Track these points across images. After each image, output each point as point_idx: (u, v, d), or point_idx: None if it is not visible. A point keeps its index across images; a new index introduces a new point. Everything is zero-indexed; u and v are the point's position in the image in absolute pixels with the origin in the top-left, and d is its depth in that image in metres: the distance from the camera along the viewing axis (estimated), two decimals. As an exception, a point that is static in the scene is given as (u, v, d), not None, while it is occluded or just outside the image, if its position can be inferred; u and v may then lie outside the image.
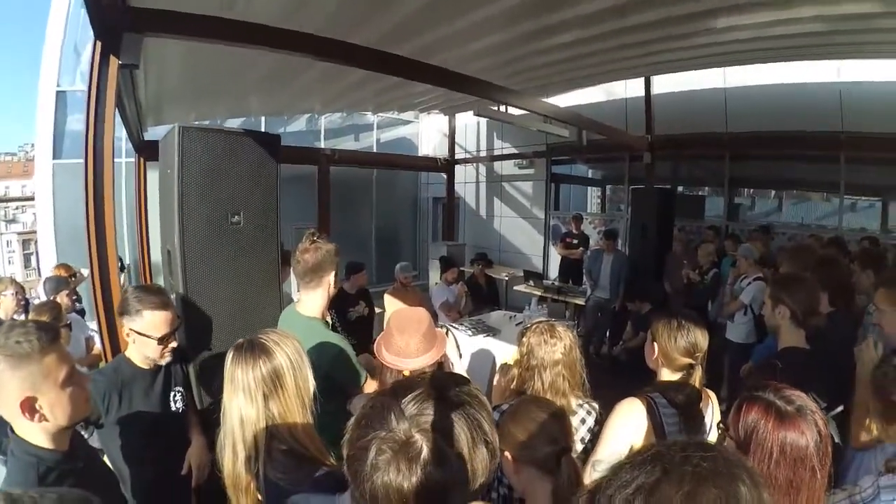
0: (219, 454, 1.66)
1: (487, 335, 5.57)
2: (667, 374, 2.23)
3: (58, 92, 10.49)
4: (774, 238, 7.54)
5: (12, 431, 1.50)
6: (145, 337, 2.31)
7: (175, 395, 2.54)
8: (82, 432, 2.13)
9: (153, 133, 7.15)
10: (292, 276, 2.72)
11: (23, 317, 4.31)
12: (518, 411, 1.85)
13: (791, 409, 1.41)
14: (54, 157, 10.30)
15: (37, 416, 1.45)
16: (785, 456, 1.37)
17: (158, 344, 2.33)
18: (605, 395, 2.41)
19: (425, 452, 0.88)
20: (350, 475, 0.95)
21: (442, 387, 0.99)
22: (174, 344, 2.42)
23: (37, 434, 1.49)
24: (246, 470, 1.60)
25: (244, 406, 1.60)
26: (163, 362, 2.43)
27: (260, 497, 1.64)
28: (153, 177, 4.12)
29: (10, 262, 64.72)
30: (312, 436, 1.67)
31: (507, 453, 1.76)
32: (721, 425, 1.62)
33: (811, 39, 5.27)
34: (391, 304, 5.99)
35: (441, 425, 0.92)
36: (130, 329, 2.32)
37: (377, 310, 6.09)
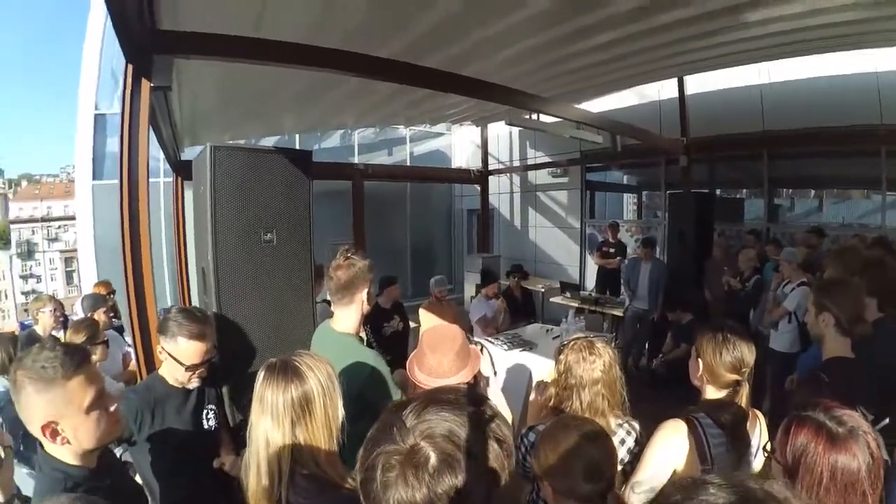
0: (243, 473, 1.64)
1: (524, 349, 5.47)
2: (712, 392, 2.13)
3: (96, 115, 10.77)
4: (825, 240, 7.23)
5: (41, 447, 1.52)
6: (175, 361, 2.32)
7: (208, 414, 2.55)
8: (115, 449, 2.14)
9: (191, 153, 7.25)
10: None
11: (61, 333, 4.39)
12: (556, 436, 1.74)
13: (843, 431, 1.35)
14: (94, 178, 10.59)
15: (59, 438, 1.46)
16: (835, 482, 1.31)
17: (186, 371, 2.34)
18: (646, 409, 2.35)
19: (433, 459, 0.85)
20: (364, 499, 0.91)
21: (440, 394, 0.97)
22: (202, 372, 2.42)
23: (64, 453, 1.50)
24: (268, 492, 1.57)
25: (270, 429, 1.57)
26: (190, 386, 2.43)
27: None
28: (190, 196, 4.16)
29: (52, 278, 66.98)
30: (336, 463, 1.63)
31: (546, 483, 1.69)
32: (766, 449, 1.55)
33: (845, 29, 5.09)
34: (426, 319, 5.95)
35: (446, 430, 0.88)
36: (163, 348, 2.34)
37: (412, 324, 6.06)
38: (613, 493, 1.66)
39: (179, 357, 2.32)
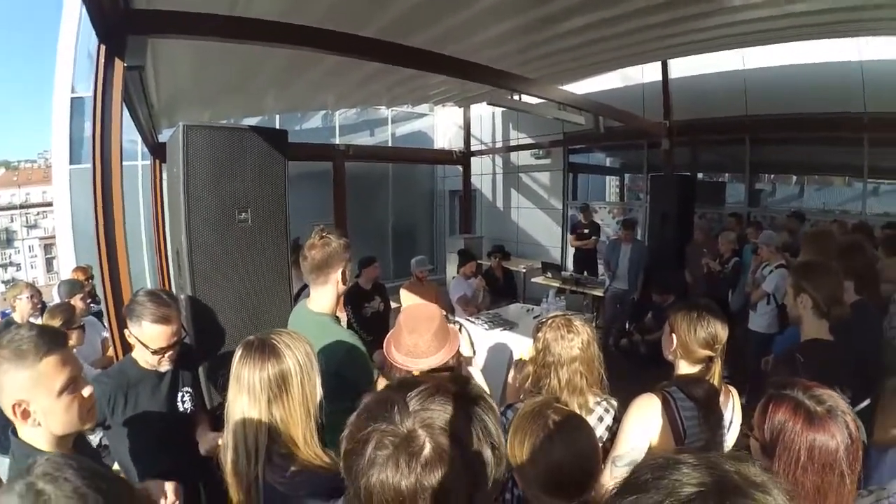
0: (221, 452, 1.63)
1: (504, 329, 5.49)
2: (685, 367, 2.14)
3: (73, 98, 10.67)
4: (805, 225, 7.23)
5: (14, 434, 1.49)
6: (141, 344, 2.30)
7: (183, 396, 2.52)
8: (92, 435, 2.11)
9: (168, 136, 7.18)
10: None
11: (39, 320, 4.33)
12: (530, 431, 1.62)
13: (821, 410, 1.35)
14: (71, 163, 10.50)
15: (30, 419, 1.43)
16: (813, 460, 1.31)
17: (153, 354, 2.31)
18: (626, 388, 2.33)
19: (427, 450, 0.83)
20: (345, 471, 0.90)
21: (449, 386, 0.94)
22: (171, 355, 2.38)
23: (38, 438, 1.47)
24: (245, 471, 1.56)
25: (247, 407, 1.56)
26: (161, 369, 2.41)
27: (260, 499, 1.59)
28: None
29: (32, 266, 66.25)
30: (313, 442, 1.62)
31: (515, 475, 1.65)
32: (744, 426, 1.55)
33: (830, 16, 5.10)
34: (407, 299, 5.93)
35: (446, 423, 0.86)
36: (130, 332, 2.31)
37: (393, 304, 6.05)
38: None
39: (145, 341, 2.28)
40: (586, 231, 9.45)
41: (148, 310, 2.27)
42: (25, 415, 1.42)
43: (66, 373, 1.51)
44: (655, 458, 0.80)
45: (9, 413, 1.42)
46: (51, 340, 1.49)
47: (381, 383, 2.43)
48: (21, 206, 69.30)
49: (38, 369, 1.44)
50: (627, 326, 7.81)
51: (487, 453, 0.88)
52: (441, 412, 0.87)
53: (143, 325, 2.27)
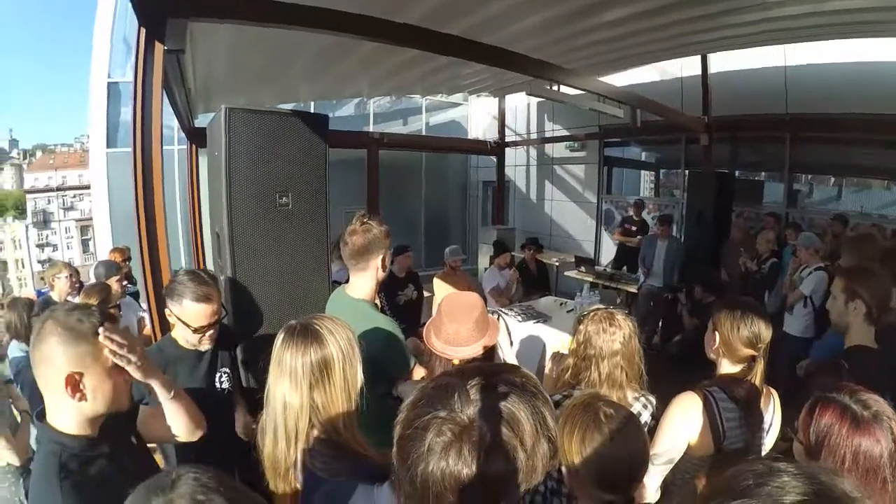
0: (259, 436, 1.63)
1: (537, 321, 5.48)
2: (727, 366, 2.14)
3: (109, 83, 10.83)
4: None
5: (40, 419, 1.49)
6: (183, 324, 2.33)
7: (221, 376, 2.56)
8: None
9: (204, 120, 7.23)
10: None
11: (76, 299, 4.39)
12: (580, 423, 1.57)
13: (867, 415, 1.34)
14: (108, 147, 10.66)
15: (79, 394, 1.43)
16: (857, 465, 1.30)
17: (195, 333, 2.34)
18: (659, 386, 2.31)
19: (488, 440, 0.83)
20: (399, 458, 0.89)
21: (509, 375, 0.94)
22: (212, 334, 2.41)
23: (67, 419, 1.46)
24: (284, 455, 1.56)
25: (288, 392, 1.55)
26: (202, 348, 2.43)
27: (297, 484, 1.59)
28: (204, 163, 4.13)
29: (68, 247, 67.92)
30: (353, 428, 1.61)
31: (563, 467, 1.61)
32: (785, 429, 1.53)
33: (872, 15, 4.94)
34: (440, 289, 5.95)
35: (507, 414, 0.86)
36: (171, 311, 2.34)
37: (426, 294, 6.05)
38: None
39: (186, 319, 2.32)
40: (634, 228, 9.29)
41: (189, 288, 2.31)
42: (75, 388, 1.42)
43: None
44: (757, 464, 0.80)
45: (57, 386, 1.41)
46: (107, 318, 1.51)
47: (418, 372, 2.42)
48: (58, 189, 70.93)
49: (98, 345, 1.45)
50: (660, 324, 7.71)
51: (544, 446, 0.88)
52: (502, 402, 0.87)
53: (185, 304, 2.30)
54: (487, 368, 0.95)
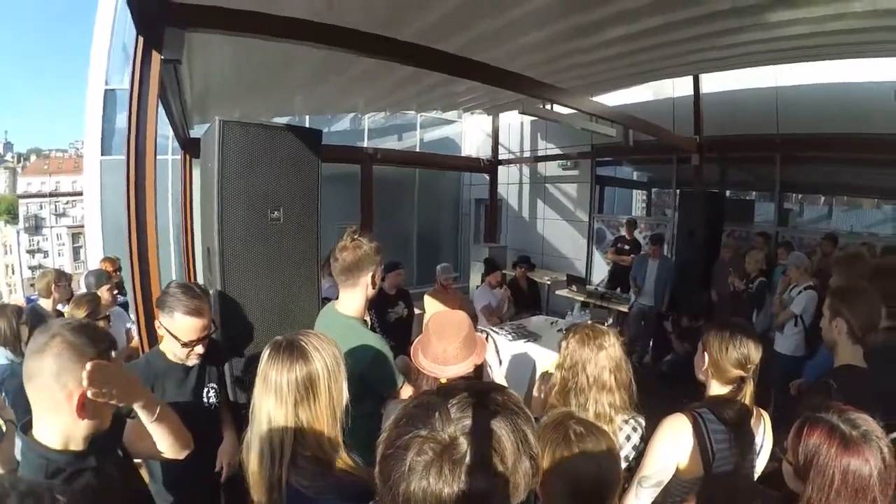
0: (244, 452, 1.62)
1: (528, 340, 5.47)
2: (716, 387, 2.13)
3: (106, 90, 10.86)
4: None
5: (25, 432, 1.48)
6: (173, 337, 2.31)
7: (209, 392, 2.54)
8: None
9: (199, 130, 7.23)
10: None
11: (66, 308, 4.36)
12: (550, 441, 1.57)
13: (856, 434, 1.34)
14: (102, 154, 10.67)
15: (86, 412, 1.44)
16: (846, 485, 1.30)
17: (184, 346, 2.32)
18: (650, 405, 2.30)
19: (469, 458, 0.82)
20: (381, 477, 0.89)
21: (490, 394, 0.93)
22: (200, 350, 2.39)
23: (54, 434, 1.46)
24: (269, 472, 1.54)
25: (273, 408, 1.54)
26: (189, 363, 2.42)
27: (283, 502, 1.57)
28: (198, 173, 4.14)
29: (59, 254, 67.53)
30: (339, 446, 1.61)
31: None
32: (775, 449, 1.53)
33: (865, 36, 4.98)
34: (431, 306, 5.94)
35: (488, 432, 0.86)
36: (161, 324, 2.33)
37: (417, 311, 6.04)
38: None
39: (176, 333, 2.30)
40: (627, 247, 9.29)
41: (181, 302, 2.30)
42: (83, 407, 1.43)
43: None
44: None
45: (52, 400, 1.42)
46: (112, 345, 1.55)
47: (406, 391, 2.41)
48: (51, 195, 70.65)
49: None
50: (651, 344, 7.71)
51: (526, 464, 0.88)
52: (483, 421, 0.86)
53: (175, 317, 2.29)
54: (468, 387, 0.94)
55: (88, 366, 1.41)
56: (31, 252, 68.13)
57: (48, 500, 0.91)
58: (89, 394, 1.43)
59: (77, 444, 1.49)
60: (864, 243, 6.67)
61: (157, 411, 1.76)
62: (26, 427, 1.48)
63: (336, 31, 3.70)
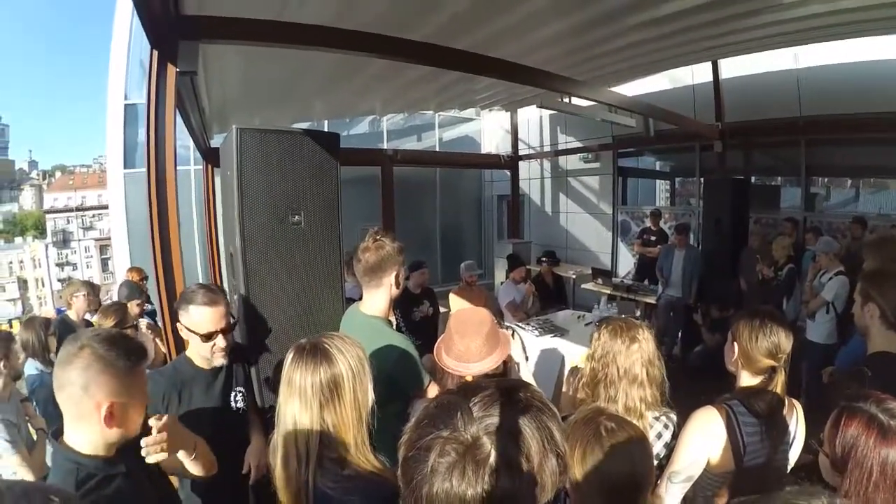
0: (271, 456, 1.62)
1: (555, 335, 5.43)
2: (746, 378, 2.07)
3: (126, 105, 11.03)
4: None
5: (56, 438, 1.50)
6: (191, 333, 2.32)
7: (236, 396, 2.54)
8: None
9: (219, 140, 7.31)
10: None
11: (93, 318, 4.43)
12: (581, 438, 1.52)
13: (895, 424, 1.29)
14: (125, 167, 10.85)
15: (114, 420, 1.46)
16: (885, 477, 1.26)
17: (203, 341, 2.32)
18: (679, 398, 2.25)
19: (493, 458, 0.80)
20: (404, 480, 0.87)
21: (513, 391, 0.91)
22: (222, 343, 2.39)
23: (86, 441, 1.48)
24: (296, 475, 1.54)
25: (298, 411, 1.54)
26: (216, 363, 2.42)
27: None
28: (220, 182, 4.17)
29: (88, 266, 68.95)
30: (365, 448, 1.60)
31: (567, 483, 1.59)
32: (809, 441, 1.48)
33: (882, 12, 4.86)
34: (456, 304, 5.93)
35: (511, 430, 0.83)
36: (181, 324, 2.34)
37: (442, 309, 6.03)
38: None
39: (194, 327, 2.30)
40: (653, 238, 9.17)
41: (194, 295, 2.33)
42: (111, 416, 1.44)
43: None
44: None
45: (85, 410, 1.44)
46: (142, 355, 1.57)
47: (433, 390, 2.40)
48: (77, 209, 72.06)
49: (137, 376, 1.52)
50: (680, 335, 7.62)
51: (552, 462, 0.85)
52: (506, 420, 0.84)
53: (191, 311, 2.30)
54: (489, 385, 0.92)
55: (155, 429, 1.51)
56: (61, 265, 69.57)
57: (40, 500, 0.91)
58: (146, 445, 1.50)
59: (108, 451, 1.51)
60: (894, 225, 6.54)
61: (196, 451, 1.83)
62: (57, 433, 1.50)
63: (350, 35, 3.70)
